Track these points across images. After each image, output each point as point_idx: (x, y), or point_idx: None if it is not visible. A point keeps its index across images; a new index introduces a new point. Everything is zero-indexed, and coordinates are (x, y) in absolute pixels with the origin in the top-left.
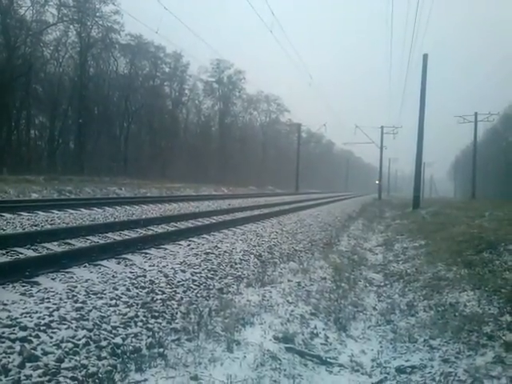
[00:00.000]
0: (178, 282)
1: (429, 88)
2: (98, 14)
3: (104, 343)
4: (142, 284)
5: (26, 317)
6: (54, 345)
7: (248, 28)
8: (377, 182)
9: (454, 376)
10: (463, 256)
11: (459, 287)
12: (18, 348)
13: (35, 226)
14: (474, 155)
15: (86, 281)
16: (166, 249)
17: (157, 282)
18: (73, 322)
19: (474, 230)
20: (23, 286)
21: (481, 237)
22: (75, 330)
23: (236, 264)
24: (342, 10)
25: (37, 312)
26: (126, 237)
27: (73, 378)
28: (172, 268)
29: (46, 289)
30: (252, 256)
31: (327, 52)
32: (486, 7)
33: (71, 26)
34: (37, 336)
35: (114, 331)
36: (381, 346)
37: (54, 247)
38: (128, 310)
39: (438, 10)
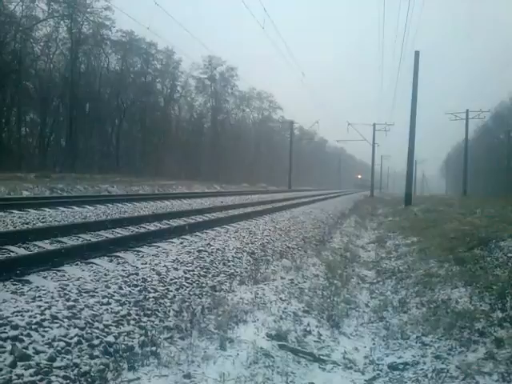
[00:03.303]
0: (171, 279)
1: (420, 85)
2: (88, 10)
3: (96, 342)
4: (135, 282)
5: (17, 315)
6: (46, 344)
7: (241, 25)
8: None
9: (446, 372)
10: (455, 253)
11: (451, 284)
12: (9, 347)
13: (26, 223)
14: (466, 152)
15: (78, 279)
16: (158, 246)
17: (149, 279)
18: (65, 320)
19: (466, 226)
20: (14, 285)
21: (472, 233)
22: (67, 329)
23: (229, 261)
24: (335, 9)
25: (28, 311)
26: (118, 235)
27: (65, 377)
28: (164, 266)
29: (38, 287)
30: (245, 253)
31: (320, 50)
32: (479, 7)
33: (62, 22)
34: (28, 335)
35: (106, 330)
36: (373, 343)
37: (46, 245)
38: (120, 308)
39: (430, 9)
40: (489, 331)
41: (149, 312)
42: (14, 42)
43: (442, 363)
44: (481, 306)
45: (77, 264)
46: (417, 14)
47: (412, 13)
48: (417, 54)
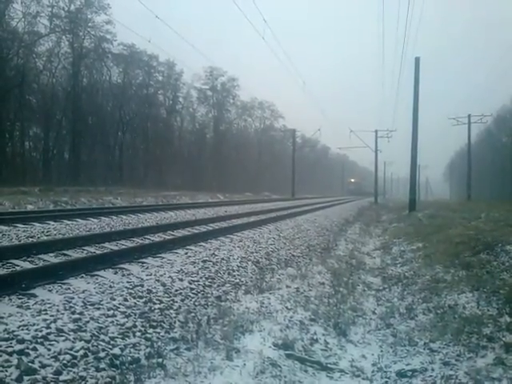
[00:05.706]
0: (176, 290)
1: (422, 91)
2: (90, 25)
3: (102, 354)
4: (140, 293)
5: (23, 329)
6: (52, 357)
7: (241, 36)
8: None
9: (455, 379)
10: (461, 258)
11: (458, 289)
12: (15, 361)
13: (31, 237)
14: (469, 157)
15: (83, 292)
16: (163, 257)
17: (154, 291)
18: (70, 333)
19: (471, 231)
20: (20, 299)
21: (478, 238)
22: (73, 342)
23: (234, 271)
24: (335, 15)
25: (34, 324)
26: (123, 246)
27: None
28: (169, 277)
29: (43, 301)
30: (250, 263)
31: (320, 58)
32: (479, 12)
33: (63, 37)
34: (34, 349)
35: (112, 342)
36: (381, 351)
37: (51, 258)
38: (126, 320)
39: (430, 14)
40: (497, 336)
41: (154, 323)
42: (16, 57)
43: (451, 370)
44: (488, 310)
45: (82, 276)
46: (416, 20)
47: (411, 18)
48: (417, 59)
